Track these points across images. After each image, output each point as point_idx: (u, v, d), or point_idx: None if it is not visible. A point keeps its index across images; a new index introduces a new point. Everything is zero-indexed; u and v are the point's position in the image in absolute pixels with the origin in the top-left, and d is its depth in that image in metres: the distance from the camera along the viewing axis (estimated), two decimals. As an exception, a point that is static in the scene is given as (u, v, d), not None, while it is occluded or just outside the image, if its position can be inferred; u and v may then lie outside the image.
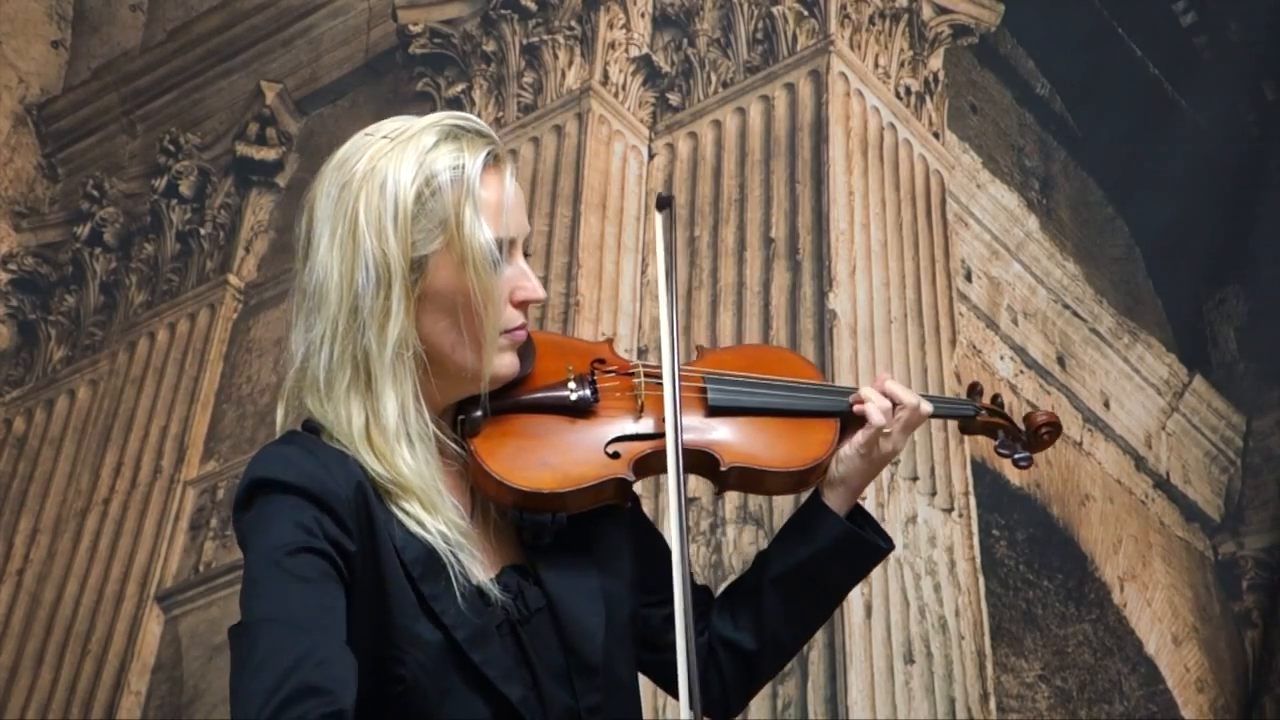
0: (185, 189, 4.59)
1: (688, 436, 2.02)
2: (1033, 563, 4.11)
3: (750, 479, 2.09)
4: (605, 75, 4.31)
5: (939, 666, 3.84)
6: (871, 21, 4.32)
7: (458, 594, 1.90)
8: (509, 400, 2.01)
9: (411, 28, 4.48)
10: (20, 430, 4.50)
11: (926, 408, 2.15)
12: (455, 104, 4.40)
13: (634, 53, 4.34)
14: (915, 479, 4.01)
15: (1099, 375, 4.36)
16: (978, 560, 4.00)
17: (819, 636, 3.80)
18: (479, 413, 1.99)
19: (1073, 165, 4.49)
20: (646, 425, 2.04)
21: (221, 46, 4.67)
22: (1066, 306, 4.37)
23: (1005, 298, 4.30)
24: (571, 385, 2.03)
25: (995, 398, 2.28)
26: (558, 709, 1.95)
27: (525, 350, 2.03)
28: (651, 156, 4.28)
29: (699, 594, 2.18)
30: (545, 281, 4.22)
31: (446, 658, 1.90)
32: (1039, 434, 2.24)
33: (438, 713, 1.89)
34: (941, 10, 4.38)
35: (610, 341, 2.16)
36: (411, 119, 2.00)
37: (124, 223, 4.62)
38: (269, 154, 4.58)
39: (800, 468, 2.09)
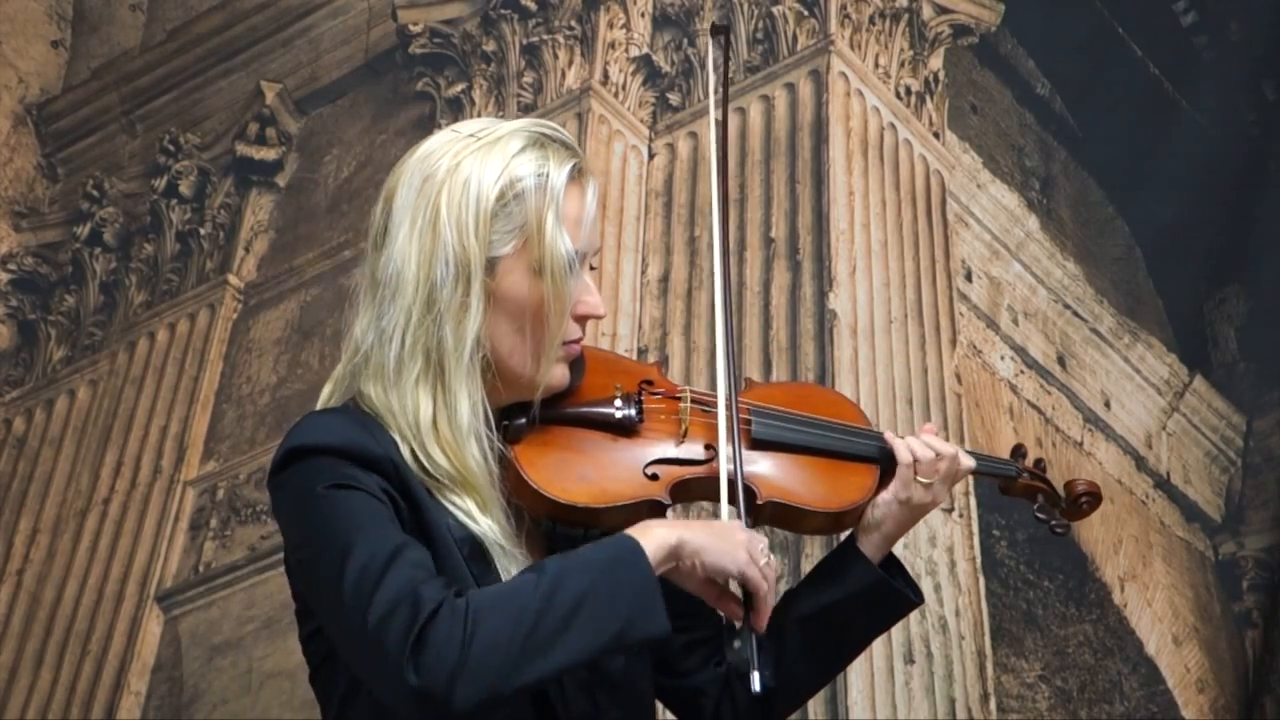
0: (185, 189, 4.59)
1: (729, 466, 2.01)
2: (1033, 563, 4.10)
3: (785, 516, 2.08)
4: (605, 75, 4.31)
5: (939, 666, 3.84)
6: (871, 21, 4.32)
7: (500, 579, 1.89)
8: (554, 411, 2.02)
9: (411, 28, 4.48)
10: (20, 430, 4.50)
11: (968, 461, 2.17)
12: (455, 104, 4.40)
13: (634, 53, 4.34)
14: (915, 479, 4.00)
15: (1099, 375, 4.36)
16: (978, 560, 4.01)
17: (819, 636, 3.80)
18: (523, 420, 1.99)
19: (1073, 165, 4.49)
20: (689, 450, 2.05)
21: (221, 46, 4.67)
22: (1067, 306, 4.37)
23: (1005, 298, 4.30)
24: (618, 403, 2.04)
25: (1039, 462, 2.29)
26: (579, 717, 1.96)
27: (576, 364, 2.04)
28: (651, 156, 4.28)
29: (719, 622, 2.17)
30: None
31: None
32: (1078, 502, 2.25)
33: None
34: (941, 10, 4.38)
35: (660, 365, 2.17)
36: (498, 121, 2.01)
37: (124, 223, 4.62)
38: (269, 154, 4.58)
39: (836, 509, 2.09)
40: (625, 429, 2.03)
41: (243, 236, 4.54)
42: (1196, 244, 4.44)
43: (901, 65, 4.34)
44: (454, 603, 1.77)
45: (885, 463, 2.14)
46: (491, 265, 1.92)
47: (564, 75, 4.33)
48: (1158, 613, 4.27)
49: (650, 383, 2.10)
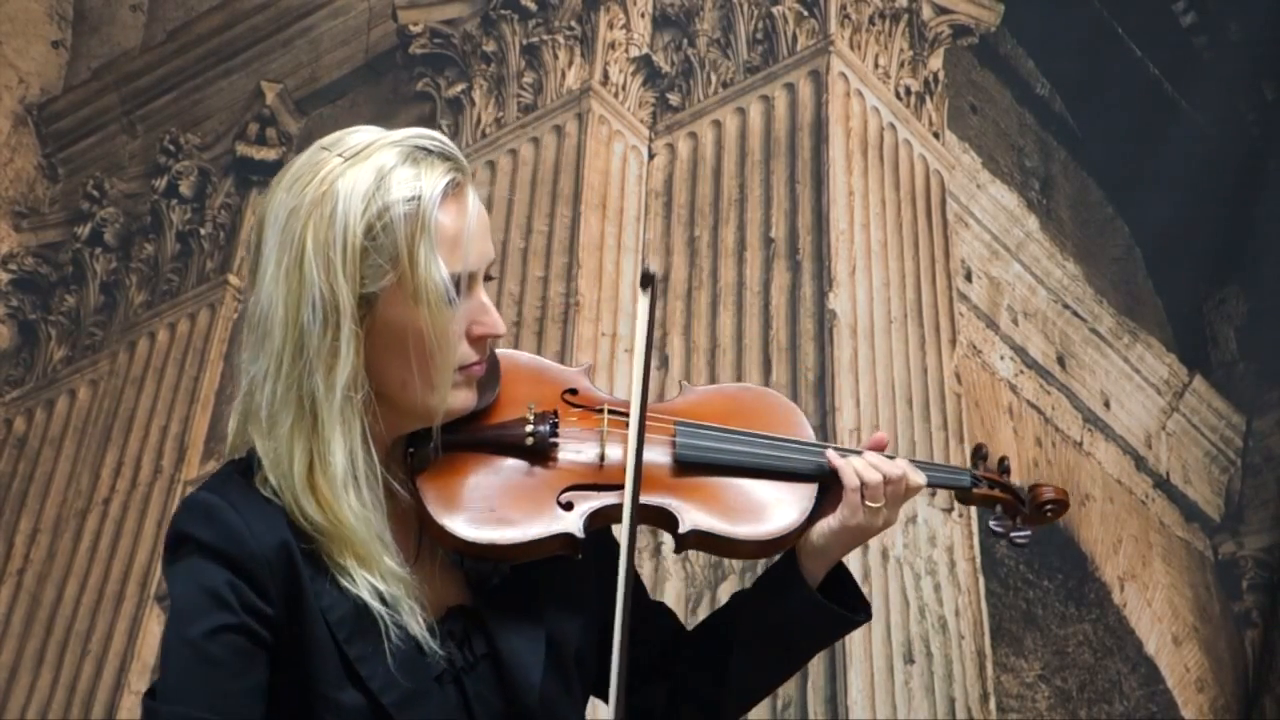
0: (185, 189, 4.59)
1: (648, 491, 1.87)
2: (1033, 563, 4.11)
3: (710, 544, 1.93)
4: (605, 75, 4.31)
5: (939, 666, 3.84)
6: (871, 21, 4.32)
7: (389, 654, 1.81)
8: (463, 435, 1.89)
9: (411, 28, 4.48)
10: (20, 430, 4.50)
11: (918, 479, 2.01)
12: (455, 104, 4.40)
13: (634, 53, 4.34)
14: (915, 479, 4.00)
15: (1099, 375, 4.36)
16: (978, 560, 4.01)
17: (819, 636, 3.80)
18: (430, 447, 1.87)
19: (1073, 165, 4.49)
20: (606, 474, 1.89)
21: (221, 46, 4.67)
22: (1066, 306, 4.37)
23: (1005, 298, 4.30)
24: (530, 424, 1.89)
25: (1002, 460, 2.13)
26: None
27: (487, 380, 1.90)
28: (651, 156, 4.28)
29: (668, 621, 2.10)
30: (545, 281, 4.22)
31: None
32: (1042, 509, 2.09)
33: None
34: (941, 10, 4.38)
35: (590, 369, 2.03)
36: (373, 132, 1.88)
37: (124, 223, 4.61)
38: (269, 154, 4.58)
39: (766, 538, 1.93)
40: (538, 452, 1.89)
41: (243, 236, 4.54)
42: (1196, 244, 4.44)
43: (901, 65, 4.34)
44: None
45: (826, 480, 1.97)
46: (371, 300, 1.81)
47: (564, 75, 4.34)
48: (1157, 612, 4.27)
49: (574, 392, 1.95)
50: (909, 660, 3.85)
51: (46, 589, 4.30)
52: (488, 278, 1.89)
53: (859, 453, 2.00)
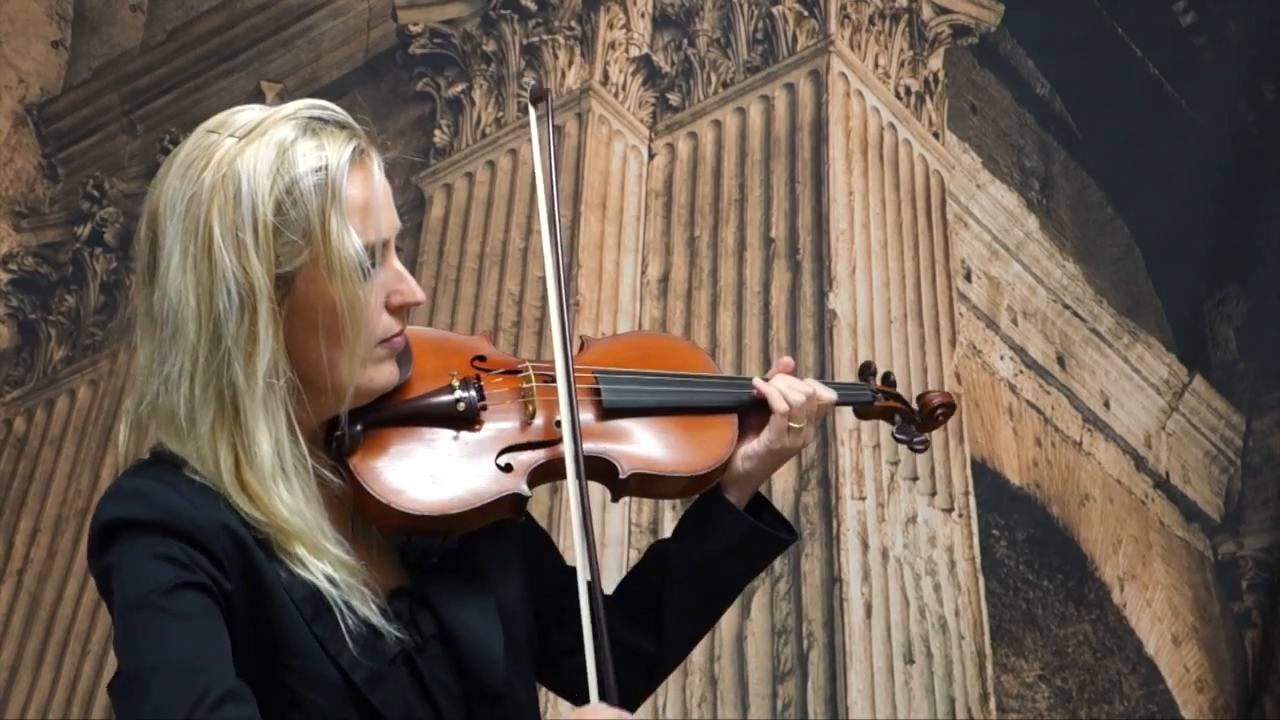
0: (185, 189, 4.59)
1: (584, 441, 1.86)
2: (1033, 563, 4.11)
3: (649, 485, 1.95)
4: (605, 75, 4.31)
5: (939, 666, 3.84)
6: (871, 21, 4.32)
7: (347, 637, 1.75)
8: (387, 411, 1.83)
9: (411, 28, 4.48)
10: (20, 430, 4.50)
11: (829, 395, 2.05)
12: (455, 104, 4.40)
13: (634, 53, 4.34)
14: (915, 479, 4.01)
15: (1099, 375, 4.36)
16: (978, 560, 4.01)
17: (819, 636, 3.80)
18: (356, 428, 1.80)
19: (1073, 165, 4.49)
20: (539, 431, 1.87)
21: (221, 46, 4.67)
22: (1066, 306, 4.37)
23: (1005, 298, 4.30)
24: (456, 391, 1.85)
25: (887, 375, 2.20)
26: None
27: (404, 356, 1.85)
28: (651, 156, 4.28)
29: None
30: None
31: (346, 700, 1.76)
32: (934, 414, 2.18)
33: None
34: (941, 10, 4.38)
35: (489, 334, 2.02)
36: (261, 110, 1.80)
37: (124, 223, 4.61)
38: (269, 154, 4.58)
39: (703, 470, 1.96)
40: (468, 418, 1.85)
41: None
42: (1196, 244, 4.44)
43: (901, 65, 4.34)
44: None
45: (744, 410, 2.01)
46: (287, 280, 1.73)
47: (564, 75, 4.33)
48: (1157, 612, 4.27)
49: (483, 358, 1.92)
50: (909, 660, 3.85)
51: (46, 589, 4.30)
52: (396, 249, 1.83)
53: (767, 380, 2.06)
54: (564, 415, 1.83)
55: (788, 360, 2.09)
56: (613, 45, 4.34)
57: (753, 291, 4.12)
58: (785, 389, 2.01)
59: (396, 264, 1.81)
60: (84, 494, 4.37)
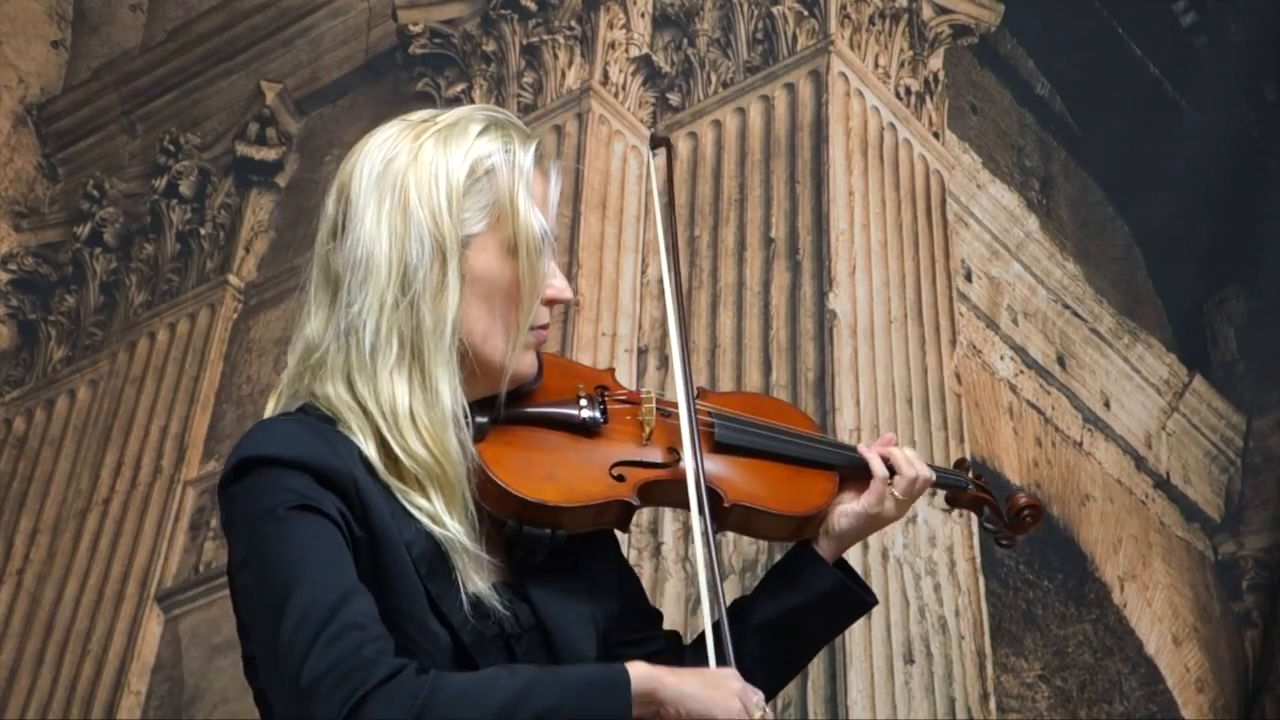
0: (185, 189, 4.59)
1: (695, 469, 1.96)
2: (1033, 563, 4.11)
3: (750, 520, 2.05)
4: (605, 75, 4.31)
5: (939, 666, 3.84)
6: (871, 21, 4.32)
7: (462, 596, 1.83)
8: (517, 411, 1.95)
9: (411, 28, 4.48)
10: (20, 430, 4.50)
11: (927, 472, 2.13)
12: (455, 104, 4.40)
13: (634, 53, 4.34)
14: (915, 479, 4.00)
15: (1099, 375, 4.36)
16: (978, 560, 4.01)
17: (819, 636, 3.80)
18: (486, 419, 1.92)
19: (1073, 165, 4.49)
20: (653, 454, 2.00)
21: (221, 46, 4.67)
22: (1066, 306, 4.37)
23: (1005, 298, 4.30)
24: (583, 404, 1.98)
25: (980, 476, 2.28)
26: None
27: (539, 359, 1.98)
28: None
29: (671, 637, 2.14)
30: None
31: (454, 658, 1.82)
32: (1020, 515, 2.24)
33: None
34: (941, 10, 4.38)
35: (612, 370, 2.12)
36: (445, 110, 1.95)
37: (124, 223, 4.62)
38: (269, 154, 4.58)
39: (801, 513, 2.06)
40: (589, 429, 1.98)
41: (243, 236, 4.54)
42: (1196, 244, 4.44)
43: (901, 65, 4.34)
44: (411, 681, 1.68)
45: (845, 471, 2.11)
46: (466, 243, 1.85)
47: (564, 75, 4.34)
48: (1157, 612, 4.27)
49: (606, 388, 2.04)
50: (909, 660, 3.85)
51: (46, 589, 4.30)
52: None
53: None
54: (685, 433, 1.95)
55: (889, 436, 2.18)
56: (613, 45, 4.35)
57: (753, 291, 4.12)
58: (889, 456, 2.11)
59: (553, 263, 1.93)
60: (84, 494, 4.37)
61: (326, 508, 1.76)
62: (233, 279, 4.51)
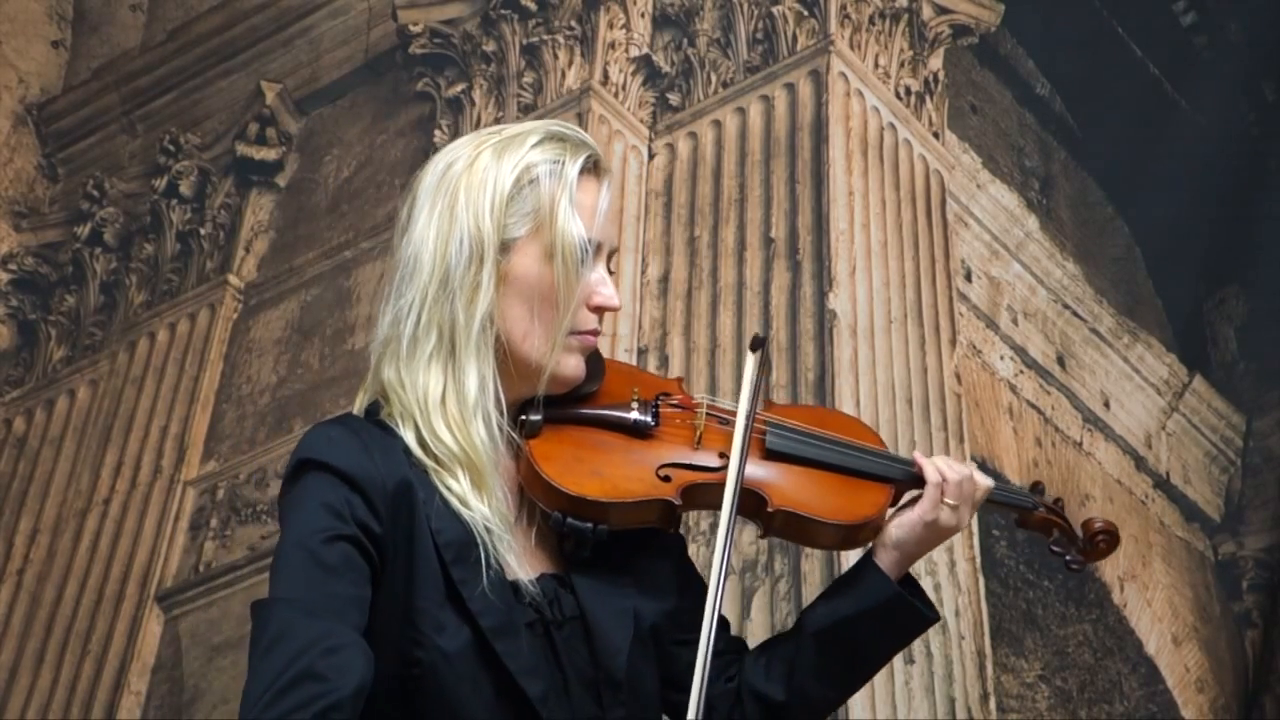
0: (185, 189, 4.59)
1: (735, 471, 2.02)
2: (1033, 563, 4.10)
3: (797, 526, 2.10)
4: (605, 75, 4.31)
5: (939, 666, 3.84)
6: (871, 21, 4.32)
7: (484, 578, 1.92)
8: (570, 411, 2.05)
9: (411, 28, 4.48)
10: (20, 430, 4.50)
11: (986, 481, 2.20)
12: (455, 104, 4.40)
13: (634, 53, 4.34)
14: (915, 479, 4.00)
15: (1099, 375, 4.36)
16: (978, 560, 4.00)
17: (819, 636, 3.80)
18: (538, 416, 2.02)
19: (1073, 165, 4.49)
20: (702, 458, 2.07)
21: (221, 46, 4.67)
22: (1066, 306, 4.37)
23: (1005, 298, 4.30)
24: (634, 407, 2.07)
25: (1057, 500, 2.32)
26: (583, 715, 1.97)
27: (594, 364, 2.07)
28: (651, 156, 4.28)
29: (732, 642, 2.20)
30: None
31: (469, 645, 1.91)
32: (1094, 540, 2.28)
33: (454, 699, 1.91)
34: (941, 10, 4.38)
35: (681, 380, 2.19)
36: (524, 124, 2.07)
37: (124, 223, 4.62)
38: (269, 154, 4.58)
39: (849, 522, 2.10)
40: (640, 432, 2.06)
41: (243, 236, 4.54)
42: (1196, 244, 4.44)
43: (901, 65, 4.34)
44: (338, 690, 1.79)
45: (900, 484, 2.16)
46: (506, 247, 1.98)
47: (564, 75, 4.34)
48: (1157, 612, 4.27)
49: (668, 395, 2.13)
50: (909, 660, 3.85)
51: (46, 589, 4.30)
52: (610, 271, 2.06)
53: None
54: (736, 440, 2.00)
55: (946, 457, 2.24)
56: (613, 45, 4.34)
57: (753, 291, 4.12)
58: (941, 464, 2.17)
59: (604, 270, 2.04)
60: (84, 494, 4.37)
61: (348, 528, 1.89)
62: (233, 279, 4.51)
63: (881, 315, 4.11)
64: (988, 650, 3.93)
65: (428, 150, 4.36)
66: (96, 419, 4.46)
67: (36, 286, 4.62)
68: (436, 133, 4.38)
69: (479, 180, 1.99)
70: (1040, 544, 4.10)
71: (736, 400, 2.13)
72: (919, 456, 2.17)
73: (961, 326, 4.19)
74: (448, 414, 1.96)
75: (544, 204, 1.99)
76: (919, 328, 4.14)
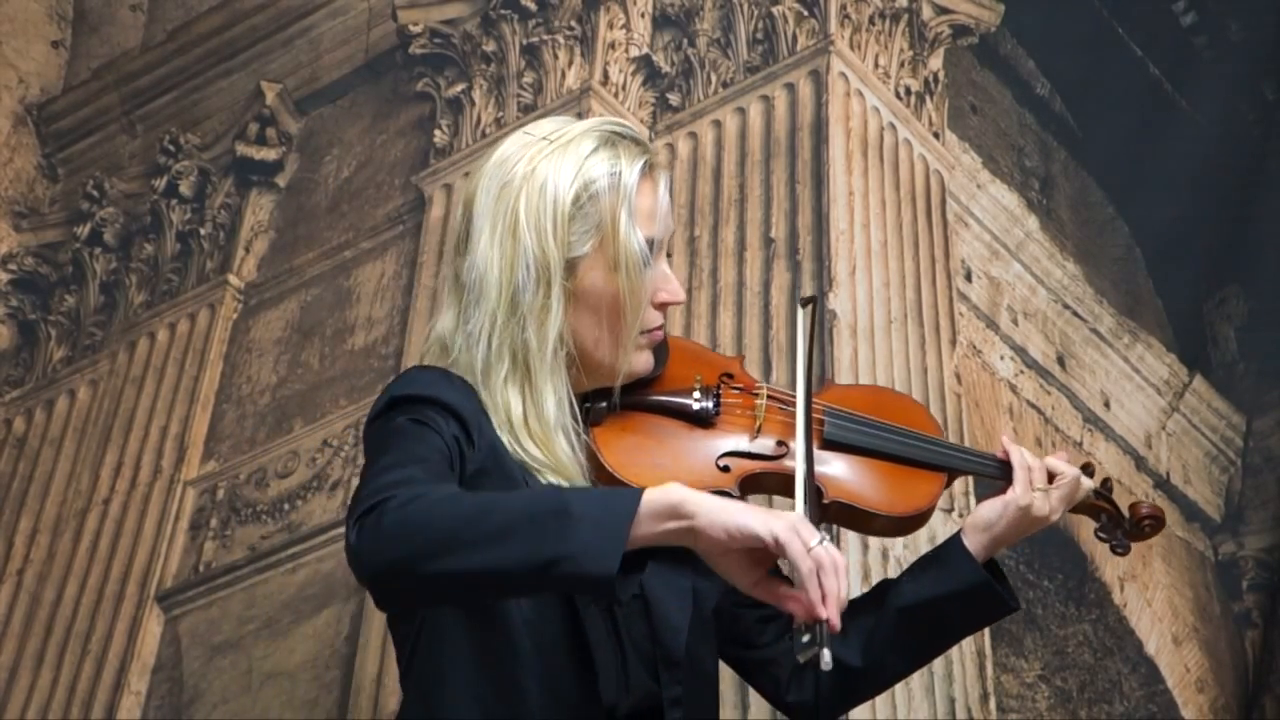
0: (185, 189, 4.59)
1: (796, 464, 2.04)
2: (1033, 563, 4.11)
3: (851, 516, 2.13)
4: (605, 75, 4.31)
5: (939, 666, 3.84)
6: (871, 21, 4.32)
7: None
8: (634, 398, 2.10)
9: (411, 28, 4.48)
10: (20, 430, 4.50)
11: (1075, 470, 2.25)
12: (455, 104, 4.40)
13: (634, 53, 4.34)
14: (915, 479, 4.00)
15: (1099, 375, 4.36)
16: (978, 560, 4.00)
17: (819, 636, 3.80)
18: (605, 405, 2.07)
19: (1073, 165, 4.49)
20: (761, 446, 2.10)
21: (221, 46, 4.67)
22: (1066, 306, 4.37)
23: (1005, 298, 4.30)
24: (696, 394, 2.11)
25: (1105, 481, 2.34)
26: (641, 691, 2.01)
27: (659, 351, 2.12)
28: (651, 156, 4.28)
29: None
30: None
31: (555, 605, 1.96)
32: (1141, 524, 2.30)
33: (528, 638, 1.94)
34: (941, 10, 4.38)
35: (741, 358, 2.23)
36: (570, 121, 2.10)
37: (124, 223, 4.61)
38: (269, 154, 4.58)
39: (901, 513, 2.13)
40: (701, 420, 2.10)
41: (243, 236, 4.54)
42: (1196, 244, 4.44)
43: (901, 65, 4.34)
44: (423, 487, 1.82)
45: (951, 473, 2.19)
46: (571, 265, 2.02)
47: (564, 75, 4.34)
48: (1157, 612, 4.27)
49: (731, 376, 2.16)
50: (909, 660, 3.85)
51: (46, 589, 4.30)
52: (667, 255, 2.11)
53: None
54: (799, 430, 2.02)
55: (1062, 454, 2.32)
56: (613, 45, 4.34)
57: (753, 291, 4.12)
58: (1027, 452, 2.24)
59: (665, 266, 2.10)
60: (84, 494, 4.37)
61: (443, 430, 1.94)
62: (233, 279, 4.51)
63: (881, 315, 4.11)
64: (987, 650, 3.93)
65: (428, 150, 4.36)
66: (96, 419, 4.46)
67: (36, 286, 4.61)
68: (436, 133, 4.38)
69: (538, 200, 2.01)
70: (1041, 545, 4.10)
71: (788, 363, 2.17)
72: (1007, 442, 2.22)
73: (961, 326, 4.19)
74: (531, 432, 2.01)
75: (605, 219, 2.02)
76: (919, 328, 4.14)
